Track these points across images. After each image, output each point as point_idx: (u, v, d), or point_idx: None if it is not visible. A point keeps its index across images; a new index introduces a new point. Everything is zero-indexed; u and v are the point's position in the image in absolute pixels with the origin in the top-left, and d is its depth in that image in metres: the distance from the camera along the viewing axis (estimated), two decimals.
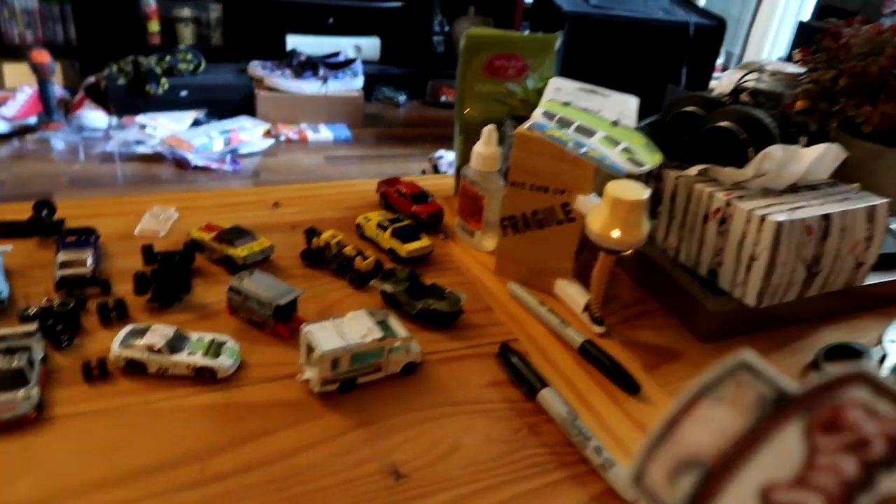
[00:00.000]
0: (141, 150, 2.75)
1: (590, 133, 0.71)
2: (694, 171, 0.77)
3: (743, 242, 0.70)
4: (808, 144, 0.78)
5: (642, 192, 0.65)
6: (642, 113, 0.86)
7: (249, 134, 2.94)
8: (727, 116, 0.79)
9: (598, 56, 2.73)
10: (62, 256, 0.69)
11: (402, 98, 3.71)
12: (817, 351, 0.71)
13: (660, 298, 0.80)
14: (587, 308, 0.73)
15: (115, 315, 0.65)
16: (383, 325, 0.62)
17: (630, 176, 0.69)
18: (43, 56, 2.73)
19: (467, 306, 0.71)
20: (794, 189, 0.75)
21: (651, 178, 0.81)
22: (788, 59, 1.05)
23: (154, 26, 3.31)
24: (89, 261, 0.69)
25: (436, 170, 2.77)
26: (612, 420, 0.61)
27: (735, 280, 0.72)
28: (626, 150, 0.70)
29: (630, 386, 0.64)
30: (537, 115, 0.72)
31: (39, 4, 3.25)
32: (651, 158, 0.70)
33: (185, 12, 3.38)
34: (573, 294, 0.76)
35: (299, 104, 3.22)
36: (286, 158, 2.95)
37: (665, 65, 2.79)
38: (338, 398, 0.59)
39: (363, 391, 0.60)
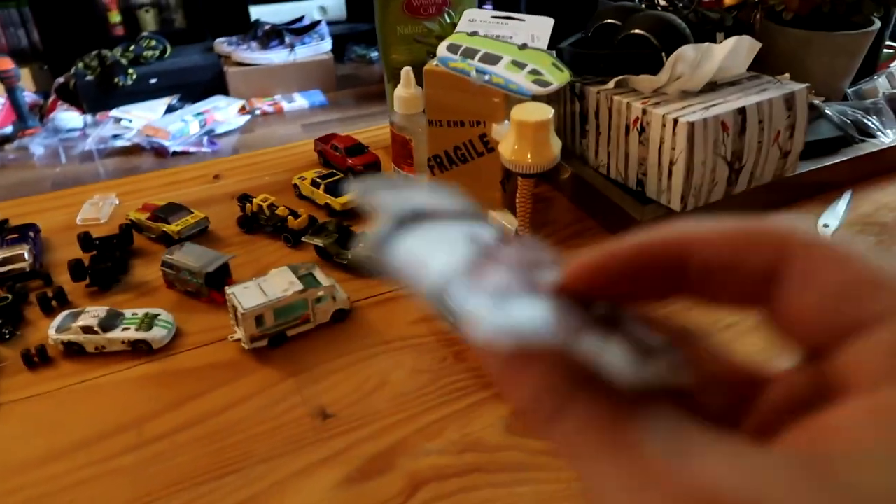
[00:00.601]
0: (119, 143, 2.76)
1: (495, 60, 0.71)
2: (612, 83, 0.77)
3: (661, 148, 0.71)
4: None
5: (546, 113, 0.65)
6: (572, 31, 0.85)
7: (224, 113, 2.94)
8: (639, 23, 0.78)
9: None
10: (2, 254, 0.71)
11: (374, 55, 3.66)
12: None
13: (596, 217, 0.81)
14: (516, 234, 0.74)
15: (55, 304, 0.67)
16: (309, 277, 0.63)
17: (538, 98, 0.69)
18: (6, 63, 2.72)
19: None
20: (713, 87, 0.75)
21: (576, 96, 0.81)
22: None
23: (115, 17, 3.28)
24: (27, 255, 0.71)
25: None
26: None
27: (660, 187, 0.73)
28: (532, 72, 0.70)
29: None
30: (442, 49, 0.72)
31: None
32: (558, 77, 0.70)
33: None
34: (505, 223, 0.76)
35: (270, 76, 3.19)
36: (263, 132, 2.95)
37: None
38: (269, 353, 0.61)
39: (294, 343, 0.62)
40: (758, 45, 0.75)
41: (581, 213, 0.82)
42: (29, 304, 0.68)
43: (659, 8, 0.85)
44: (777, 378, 0.18)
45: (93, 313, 0.62)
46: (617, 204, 0.76)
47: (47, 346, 0.61)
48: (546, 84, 0.69)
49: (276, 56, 3.19)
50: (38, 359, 0.60)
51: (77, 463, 0.51)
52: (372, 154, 0.90)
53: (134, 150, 2.76)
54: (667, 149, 0.70)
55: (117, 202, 0.85)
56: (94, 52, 2.98)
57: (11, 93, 2.75)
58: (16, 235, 0.74)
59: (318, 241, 0.72)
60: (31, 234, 0.75)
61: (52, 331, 0.61)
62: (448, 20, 0.85)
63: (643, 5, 0.86)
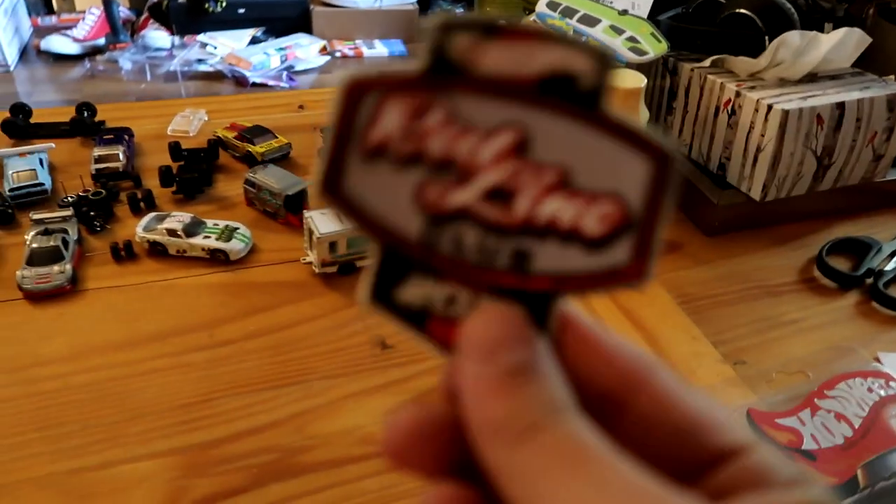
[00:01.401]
0: (202, 68, 2.82)
1: (594, 22, 0.70)
2: (707, 62, 0.75)
3: (750, 134, 0.69)
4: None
5: (639, 81, 0.65)
6: (674, 4, 0.83)
7: (305, 51, 2.96)
8: (745, 3, 0.75)
9: None
10: (97, 151, 0.75)
11: (459, 10, 3.62)
12: (822, 246, 0.70)
13: None
14: None
15: (143, 205, 0.71)
16: None
17: (632, 66, 0.68)
18: None
19: None
20: (812, 78, 0.73)
21: (667, 71, 0.80)
22: None
23: None
24: (121, 156, 0.75)
25: None
26: (598, 304, 0.63)
27: (742, 173, 0.71)
28: (630, 39, 0.69)
29: None
30: (541, 5, 0.72)
31: None
32: (656, 47, 0.69)
33: None
34: None
35: (354, 19, 3.20)
36: (341, 75, 2.97)
37: None
38: (337, 279, 0.63)
39: (362, 274, 0.64)
40: (867, 40, 0.72)
41: None
42: (119, 203, 0.72)
43: None
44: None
45: (178, 218, 0.65)
46: (695, 185, 0.75)
47: (133, 243, 0.65)
48: (642, 53, 0.68)
49: (363, 1, 3.20)
50: (124, 253, 0.64)
51: (153, 353, 0.55)
52: None
53: (215, 76, 2.81)
54: (756, 135, 0.69)
55: (206, 118, 0.88)
56: None
57: (108, 6, 2.83)
58: (111, 136, 0.78)
59: None
60: (126, 137, 0.79)
61: (139, 229, 0.65)
62: None
63: None
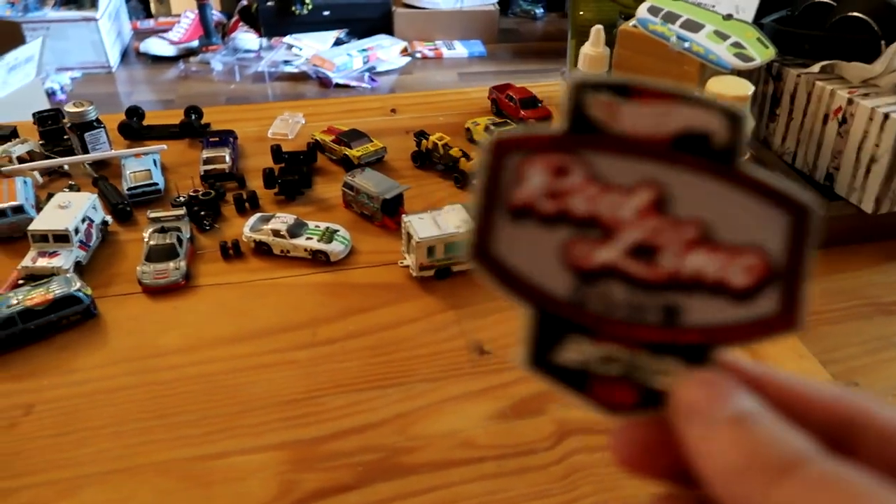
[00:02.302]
0: (288, 69, 2.92)
1: (697, 27, 0.69)
2: (816, 67, 0.72)
3: (863, 144, 0.66)
4: None
5: (746, 88, 0.63)
6: (781, 7, 0.80)
7: (387, 52, 3.02)
8: (859, 6, 0.72)
9: None
10: (206, 153, 0.79)
11: (539, 11, 3.60)
12: None
13: None
14: None
15: (248, 205, 0.74)
16: None
17: (738, 72, 0.67)
18: None
19: None
20: None
21: (771, 76, 0.77)
22: None
23: None
24: (228, 158, 0.78)
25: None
26: None
27: (852, 185, 0.68)
28: (735, 44, 0.67)
29: None
30: (642, 11, 0.71)
31: None
32: (762, 53, 0.67)
33: None
34: None
35: (435, 20, 3.23)
36: (421, 76, 3.00)
37: None
38: (434, 283, 0.64)
39: (458, 278, 0.65)
40: None
41: None
42: (225, 203, 0.75)
43: None
44: None
45: (282, 219, 0.68)
46: None
47: (240, 242, 0.68)
48: (748, 59, 0.66)
49: (444, 2, 3.22)
50: (232, 252, 0.67)
51: (260, 348, 0.58)
52: (546, 109, 0.90)
53: (300, 77, 2.91)
54: (869, 145, 0.66)
55: (303, 121, 0.91)
56: None
57: (202, 10, 2.96)
58: (218, 139, 0.82)
59: None
60: (231, 139, 0.83)
61: (246, 229, 0.68)
62: None
63: None
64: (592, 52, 0.81)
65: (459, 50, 3.20)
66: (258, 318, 0.61)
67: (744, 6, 0.73)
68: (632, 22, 0.72)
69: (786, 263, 0.19)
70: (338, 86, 2.82)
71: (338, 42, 3.12)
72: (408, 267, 0.65)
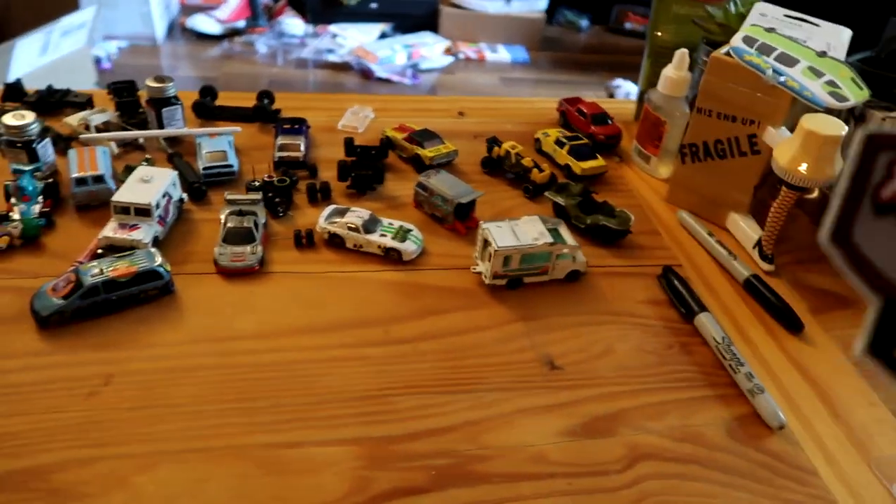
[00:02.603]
0: (331, 58, 2.93)
1: (792, 62, 0.68)
2: None
3: None
4: None
5: (840, 129, 0.62)
6: (858, 47, 0.80)
7: (430, 50, 3.02)
8: None
9: None
10: (281, 140, 0.79)
11: (584, 23, 3.59)
12: None
13: None
14: (758, 244, 0.72)
15: (320, 196, 0.74)
16: (554, 232, 0.66)
17: (831, 112, 0.66)
18: None
19: (635, 227, 0.73)
20: None
21: (852, 116, 0.76)
22: None
23: None
24: (302, 146, 0.79)
25: (611, 98, 2.70)
26: (768, 353, 0.61)
27: None
28: (829, 83, 0.67)
29: (793, 324, 0.64)
30: (737, 40, 0.70)
31: None
32: (857, 94, 0.66)
33: None
34: (745, 228, 0.75)
35: (481, 22, 3.23)
36: (462, 76, 3.01)
37: None
38: (505, 292, 0.64)
39: (528, 290, 0.65)
40: None
41: None
42: (297, 191, 0.75)
43: None
44: None
45: (357, 213, 0.68)
46: None
47: (314, 232, 0.68)
48: (843, 99, 0.66)
49: (492, 5, 3.22)
50: (305, 241, 0.67)
51: (333, 341, 0.58)
52: (615, 126, 0.90)
53: (342, 67, 2.92)
54: None
55: (373, 116, 0.92)
56: None
57: None
58: (290, 126, 0.83)
59: (560, 200, 0.74)
60: (305, 127, 0.83)
61: (321, 220, 0.68)
62: (734, 9, 0.83)
63: None
64: (675, 74, 0.81)
65: (502, 54, 3.20)
66: (331, 311, 0.61)
67: (835, 44, 0.72)
68: (724, 49, 0.71)
69: None
70: (379, 79, 2.83)
71: (382, 35, 3.13)
72: (480, 273, 0.65)
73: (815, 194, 0.82)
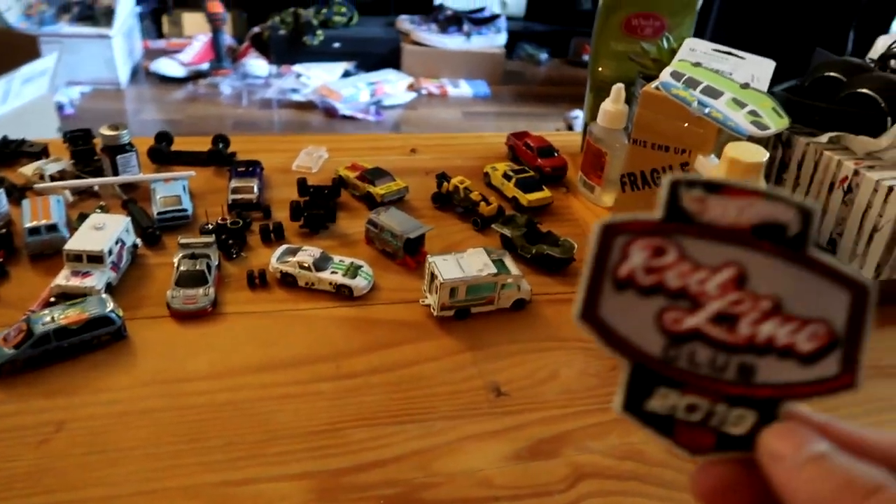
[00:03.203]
0: (296, 97, 2.97)
1: (716, 94, 0.72)
2: (825, 138, 0.76)
3: (867, 213, 0.70)
4: None
5: (761, 155, 0.66)
6: (789, 77, 0.85)
7: (393, 86, 3.08)
8: (868, 83, 0.76)
9: (757, 17, 2.57)
10: (234, 183, 0.81)
11: (543, 56, 3.69)
12: None
13: None
14: None
15: (273, 236, 0.76)
16: (499, 263, 0.68)
17: (754, 139, 0.70)
18: (217, 7, 2.99)
19: (580, 255, 0.76)
20: None
21: (780, 143, 0.81)
22: None
23: None
24: (255, 188, 0.81)
25: (570, 129, 2.77)
26: None
27: (854, 251, 0.72)
28: (752, 112, 0.71)
29: None
30: (665, 75, 0.74)
31: None
32: (777, 122, 0.70)
33: None
34: None
35: (442, 59, 3.30)
36: (426, 112, 3.06)
37: (831, 28, 2.58)
38: (453, 323, 0.67)
39: (476, 320, 0.67)
40: None
41: None
42: (251, 232, 0.77)
43: (890, 71, 0.83)
44: None
45: (309, 252, 0.70)
46: None
47: (267, 272, 0.70)
48: (764, 127, 0.70)
49: (452, 41, 3.30)
50: (258, 281, 0.69)
51: (285, 378, 0.59)
52: (561, 158, 0.94)
53: (307, 106, 2.95)
54: (872, 215, 0.69)
55: (326, 156, 0.94)
56: (291, 9, 3.21)
57: (215, 34, 3.02)
58: (244, 169, 0.85)
59: (507, 231, 0.77)
60: (258, 169, 0.85)
61: (273, 259, 0.70)
62: (666, 45, 0.87)
63: (874, 66, 0.84)
64: (612, 108, 0.85)
65: (464, 89, 3.26)
66: (284, 348, 0.62)
67: (759, 76, 0.77)
68: (654, 84, 0.75)
69: (846, 332, 0.22)
70: (343, 117, 2.87)
71: (346, 74, 3.18)
72: (429, 306, 0.67)
73: None
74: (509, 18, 3.57)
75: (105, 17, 2.93)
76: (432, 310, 0.66)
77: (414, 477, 0.52)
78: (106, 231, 0.67)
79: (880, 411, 0.61)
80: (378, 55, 3.28)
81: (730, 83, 0.74)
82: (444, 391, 0.59)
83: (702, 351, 0.23)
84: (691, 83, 0.73)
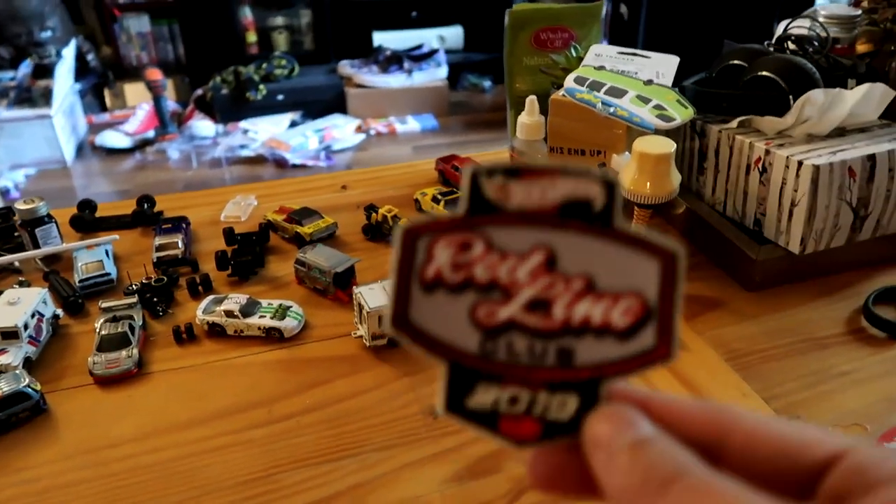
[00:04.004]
0: (245, 153, 2.96)
1: (620, 94, 0.73)
2: (735, 123, 0.77)
3: (783, 189, 0.71)
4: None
5: (669, 146, 0.67)
6: (698, 70, 0.87)
7: (342, 131, 3.09)
8: (767, 66, 0.78)
9: (687, 14, 2.65)
10: (158, 241, 0.80)
11: (487, 84, 3.74)
12: (868, 295, 0.70)
13: (708, 252, 0.81)
14: None
15: (201, 289, 0.75)
16: None
17: (660, 132, 0.71)
18: (155, 74, 2.99)
19: None
20: (841, 133, 0.74)
21: (695, 133, 0.82)
22: (856, 3, 1.01)
23: (251, 37, 3.54)
24: (180, 243, 0.80)
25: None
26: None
27: (779, 228, 0.73)
28: (657, 106, 0.72)
29: None
30: (569, 81, 0.76)
31: (151, 27, 3.56)
32: (682, 113, 0.72)
33: (279, 20, 3.58)
34: None
35: (387, 98, 3.34)
36: (376, 151, 3.08)
37: (757, 20, 2.68)
38: (387, 351, 0.65)
39: None
40: (891, 94, 0.74)
41: (693, 248, 0.83)
42: (179, 287, 0.76)
43: (788, 52, 0.85)
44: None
45: (235, 300, 0.69)
46: (732, 241, 0.76)
47: (194, 325, 0.68)
48: (669, 119, 0.71)
49: (394, 80, 3.34)
50: (185, 336, 0.67)
51: (216, 431, 0.57)
52: None
53: (257, 160, 2.95)
54: (789, 190, 0.70)
55: (255, 203, 0.94)
56: (231, 68, 3.22)
57: (157, 101, 3.02)
58: (170, 225, 0.84)
59: None
60: (184, 225, 0.84)
61: (199, 312, 0.68)
62: (574, 54, 0.89)
63: (772, 49, 0.86)
64: (528, 120, 0.86)
65: (412, 124, 3.29)
66: (214, 401, 0.61)
67: (664, 72, 0.79)
68: (561, 91, 0.76)
69: (659, 303, 0.22)
70: (294, 166, 2.87)
71: (293, 124, 3.19)
72: (361, 337, 0.66)
73: (682, 209, 0.86)
74: (449, 52, 3.62)
75: (43, 97, 2.92)
76: (365, 341, 0.65)
77: None
78: (20, 305, 0.65)
79: (817, 383, 0.61)
80: (323, 102, 3.30)
81: (634, 82, 0.76)
82: (380, 421, 0.58)
83: (519, 341, 0.22)
84: (595, 86, 0.75)
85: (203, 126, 3.12)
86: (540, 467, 0.22)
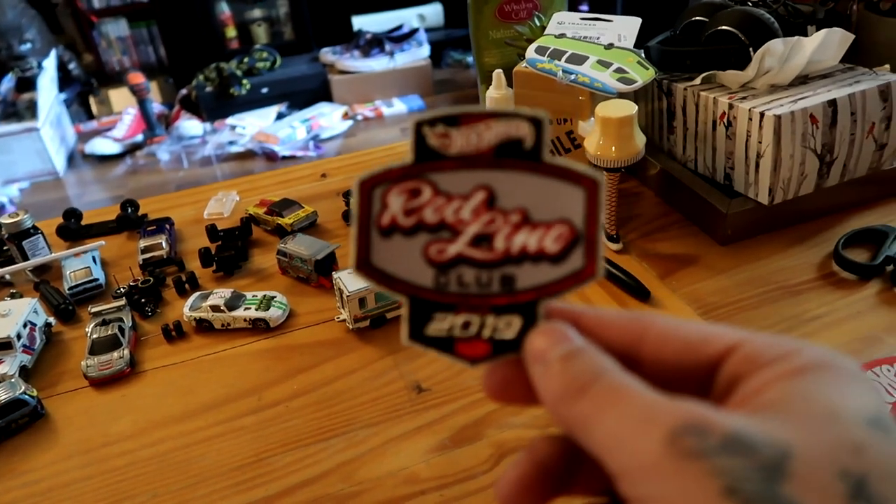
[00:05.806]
0: (234, 149, 2.97)
1: (581, 60, 0.74)
2: (699, 79, 0.78)
3: (748, 142, 0.72)
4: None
5: (630, 109, 0.68)
6: (663, 29, 0.87)
7: (329, 119, 3.09)
8: (726, 19, 0.79)
9: None
10: (142, 243, 0.82)
11: (470, 59, 3.72)
12: (838, 240, 0.71)
13: (682, 210, 0.82)
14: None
15: (188, 286, 0.76)
16: None
17: (622, 95, 0.72)
18: (138, 78, 2.99)
19: None
20: (804, 81, 0.75)
21: (663, 93, 0.83)
22: None
23: (231, 32, 3.52)
24: (164, 244, 0.81)
25: None
26: None
27: (747, 181, 0.74)
28: (618, 70, 0.73)
29: (639, 292, 0.68)
30: (530, 52, 0.76)
31: (130, 30, 3.55)
32: (643, 74, 0.72)
33: (257, 13, 3.57)
34: None
35: (371, 82, 3.33)
36: (365, 136, 3.08)
37: None
38: (370, 333, 0.67)
39: (393, 325, 0.68)
40: (850, 38, 0.74)
41: (668, 207, 0.84)
42: (166, 287, 0.77)
43: (749, 4, 0.85)
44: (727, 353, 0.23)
45: (219, 294, 0.70)
46: (704, 198, 0.77)
47: (182, 323, 0.70)
48: (630, 81, 0.72)
49: (377, 63, 3.32)
50: (174, 333, 0.69)
51: (208, 422, 0.59)
52: None
53: (247, 155, 2.96)
54: (753, 143, 0.71)
55: (238, 198, 0.95)
56: (213, 65, 3.22)
57: (142, 104, 3.02)
58: (154, 227, 0.85)
59: None
60: (167, 226, 0.85)
61: (186, 309, 0.70)
62: (538, 24, 0.89)
63: (732, 1, 0.86)
64: (496, 94, 0.86)
65: (399, 107, 3.29)
66: (205, 393, 0.62)
67: (625, 34, 0.79)
68: (523, 63, 0.77)
69: (585, 227, 0.24)
70: (284, 158, 2.88)
71: (279, 116, 3.19)
72: (344, 321, 0.68)
73: (657, 169, 0.87)
74: (429, 30, 3.60)
75: (29, 110, 2.92)
76: (348, 324, 0.67)
77: (340, 489, 0.52)
78: (11, 317, 0.67)
79: (791, 328, 0.63)
80: (308, 91, 3.30)
81: (594, 47, 0.76)
82: (366, 399, 0.60)
83: (467, 273, 0.25)
84: (556, 54, 0.75)
85: (191, 126, 3.12)
86: (492, 381, 0.25)
